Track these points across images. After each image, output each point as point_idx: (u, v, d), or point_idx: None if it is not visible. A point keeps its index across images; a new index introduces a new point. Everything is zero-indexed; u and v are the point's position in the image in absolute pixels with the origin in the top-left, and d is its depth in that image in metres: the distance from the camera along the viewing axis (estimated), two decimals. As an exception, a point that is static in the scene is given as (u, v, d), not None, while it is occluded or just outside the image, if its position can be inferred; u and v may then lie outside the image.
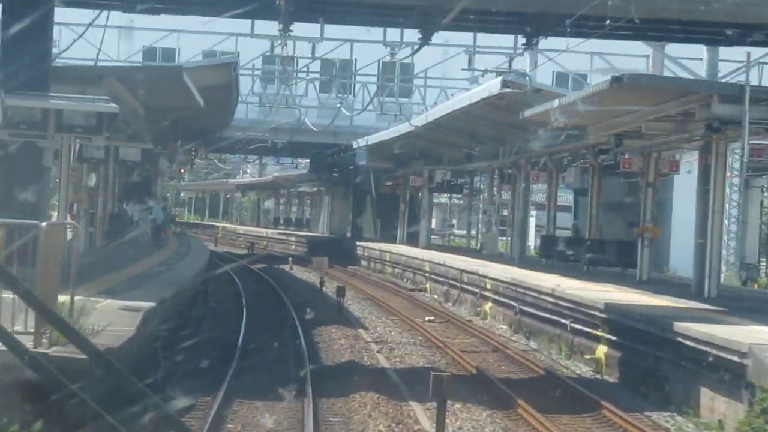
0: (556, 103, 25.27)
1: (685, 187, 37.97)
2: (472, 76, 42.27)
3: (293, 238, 74.13)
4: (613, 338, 21.07)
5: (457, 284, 35.47)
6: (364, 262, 54.59)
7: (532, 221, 79.88)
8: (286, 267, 52.10)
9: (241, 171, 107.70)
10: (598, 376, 21.27)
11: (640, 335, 19.68)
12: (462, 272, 34.97)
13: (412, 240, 56.23)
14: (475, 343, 25.56)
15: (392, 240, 56.44)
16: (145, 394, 3.21)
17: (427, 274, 40.67)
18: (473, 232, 59.63)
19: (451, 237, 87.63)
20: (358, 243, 56.86)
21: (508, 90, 28.03)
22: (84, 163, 26.78)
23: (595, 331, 22.15)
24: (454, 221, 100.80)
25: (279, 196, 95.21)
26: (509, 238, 45.95)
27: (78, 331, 3.09)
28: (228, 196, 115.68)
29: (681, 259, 38.50)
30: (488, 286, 31.57)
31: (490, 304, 31.43)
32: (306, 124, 54.16)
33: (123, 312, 15.37)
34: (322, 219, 75.25)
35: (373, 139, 49.74)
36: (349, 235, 70.18)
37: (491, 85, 28.97)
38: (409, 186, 53.23)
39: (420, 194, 57.16)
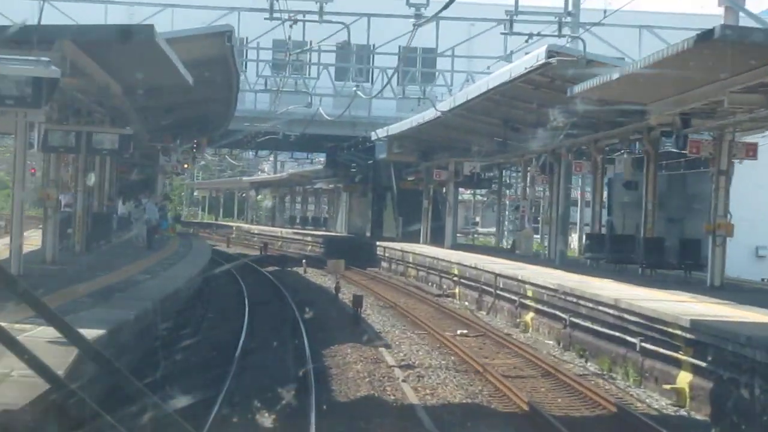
0: (616, 74, 20.76)
1: (740, 176, 33.55)
2: (506, 54, 37.76)
3: (309, 238, 69.77)
4: (702, 364, 16.59)
5: (492, 290, 31.04)
6: (384, 264, 50.22)
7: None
8: (300, 270, 47.75)
9: (258, 170, 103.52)
10: (682, 412, 16.80)
11: (742, 362, 15.21)
12: (497, 276, 30.52)
13: (436, 239, 51.83)
14: (520, 364, 21.12)
15: (415, 239, 52.05)
16: (146, 394, 2.74)
17: (455, 278, 36.23)
18: (500, 230, 55.03)
19: (475, 235, 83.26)
20: (378, 243, 52.46)
21: (553, 61, 23.51)
22: (53, 152, 22.42)
23: (675, 354, 17.69)
24: (478, 219, 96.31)
25: (295, 194, 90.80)
26: (544, 237, 41.48)
27: (79, 332, 2.50)
28: (244, 194, 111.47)
29: (735, 259, 34.00)
30: (530, 293, 27.11)
31: (531, 314, 26.98)
32: (320, 115, 49.81)
33: (51, 347, 10.96)
34: (340, 217, 70.87)
35: (394, 128, 45.31)
36: (368, 234, 65.78)
37: (537, 55, 24.42)
38: (433, 180, 48.77)
39: (444, 189, 52.75)
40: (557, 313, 24.55)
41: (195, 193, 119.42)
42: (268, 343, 21.38)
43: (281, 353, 20.60)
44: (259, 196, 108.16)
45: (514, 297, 28.54)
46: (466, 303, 33.99)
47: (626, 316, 19.82)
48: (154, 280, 21.59)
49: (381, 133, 47.75)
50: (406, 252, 45.36)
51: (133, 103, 28.60)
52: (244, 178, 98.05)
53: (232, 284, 36.85)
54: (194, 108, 35.36)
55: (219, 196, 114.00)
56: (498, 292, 30.37)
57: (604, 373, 20.27)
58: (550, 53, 23.53)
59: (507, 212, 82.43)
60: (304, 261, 47.97)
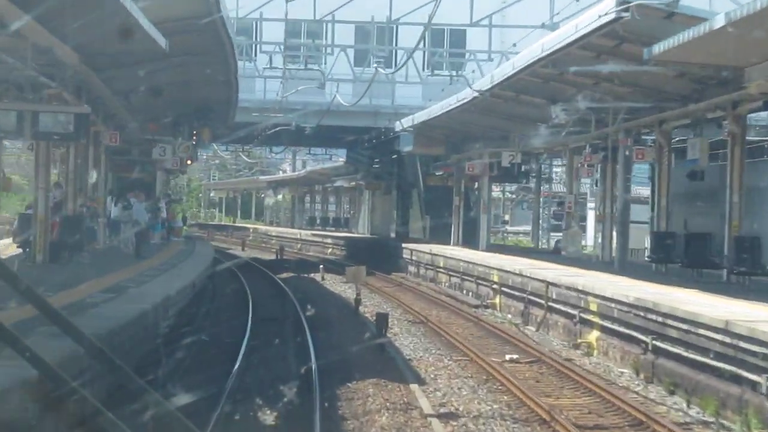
0: (720, 20, 15.61)
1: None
2: (551, 19, 32.56)
3: (329, 240, 64.78)
4: None
5: (542, 301, 25.94)
6: (411, 268, 45.18)
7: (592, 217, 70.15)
8: (318, 276, 42.80)
9: (279, 170, 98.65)
10: None
11: None
12: (549, 285, 25.42)
13: (468, 240, 46.76)
14: (596, 406, 16.03)
15: (444, 240, 47.02)
16: (148, 392, 2.74)
17: (495, 286, 31.15)
18: (537, 230, 49.85)
19: (505, 235, 78.03)
20: (403, 245, 47.38)
21: (627, 15, 18.38)
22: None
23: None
24: (507, 217, 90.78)
25: (314, 193, 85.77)
26: (596, 236, 36.32)
27: (81, 330, 2.60)
28: (263, 195, 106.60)
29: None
30: (593, 307, 22.01)
31: (596, 333, 21.88)
32: (338, 105, 44.87)
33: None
34: (362, 217, 65.85)
35: (421, 116, 40.30)
36: (393, 235, 60.72)
37: (603, 9, 19.26)
38: (465, 175, 43.67)
39: (476, 185, 47.68)
40: (634, 333, 19.47)
41: (212, 194, 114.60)
42: (267, 384, 16.38)
43: (283, 396, 15.58)
44: (279, 197, 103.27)
45: (571, 311, 23.45)
46: (509, 316, 28.93)
47: (744, 345, 14.69)
48: (115, 301, 16.60)
49: (406, 122, 42.73)
50: (437, 255, 40.30)
51: (110, 84, 23.74)
52: (261, 177, 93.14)
53: (235, 296, 31.91)
54: (188, 91, 30.53)
55: (236, 197, 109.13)
56: (550, 304, 25.27)
57: (713, 420, 15.15)
58: (623, 3, 18.39)
59: (543, 209, 77.26)
60: (321, 266, 42.96)
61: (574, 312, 23.14)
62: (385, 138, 49.36)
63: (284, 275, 44.60)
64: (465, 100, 32.19)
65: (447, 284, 38.17)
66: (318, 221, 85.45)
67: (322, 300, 32.42)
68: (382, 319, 21.48)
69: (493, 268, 31.56)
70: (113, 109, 28.87)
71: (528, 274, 27.62)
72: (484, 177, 41.30)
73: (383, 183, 60.96)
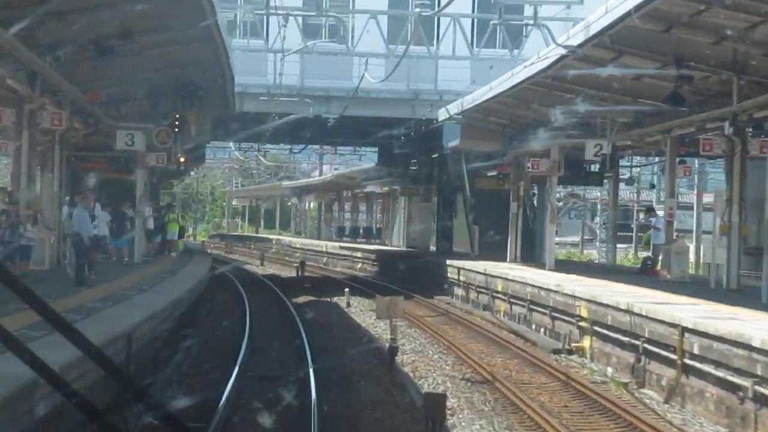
0: None
1: None
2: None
3: (359, 254, 56.13)
4: None
5: (671, 355, 17.19)
6: (459, 291, 36.50)
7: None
8: (343, 300, 34.24)
9: (304, 174, 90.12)
10: None
11: None
12: (685, 332, 16.61)
13: (528, 256, 38.05)
14: None
15: (497, 256, 38.33)
16: (147, 395, 2.70)
17: (583, 324, 22.38)
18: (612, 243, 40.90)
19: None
20: (448, 262, 38.62)
21: None
22: None
23: None
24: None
25: (342, 200, 77.08)
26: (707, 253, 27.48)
27: (81, 333, 2.54)
28: (289, 203, 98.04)
29: None
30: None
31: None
32: (367, 89, 36.38)
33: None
34: (397, 228, 57.13)
35: (476, 97, 31.68)
36: (433, 248, 52.01)
37: None
38: (526, 174, 34.94)
39: (534, 188, 38.98)
40: None
41: (234, 202, 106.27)
42: None
43: None
44: (308, 204, 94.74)
45: (735, 378, 14.67)
46: (610, 369, 20.16)
47: None
48: None
49: (453, 108, 34.11)
50: (492, 276, 31.54)
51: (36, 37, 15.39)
52: (284, 183, 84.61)
53: (227, 334, 23.27)
54: (160, 58, 22.07)
55: (259, 206, 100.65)
56: (689, 361, 16.47)
57: None
58: None
59: (599, 218, 68.58)
60: (347, 290, 34.26)
61: (744, 382, 14.34)
62: (425, 131, 40.71)
63: (302, 299, 36.07)
64: (546, 64, 23.26)
65: (507, 314, 29.44)
66: (347, 232, 76.85)
67: (344, 342, 23.68)
68: (435, 404, 12.70)
69: (580, 299, 22.77)
70: (50, 78, 20.38)
71: (642, 312, 18.83)
72: (552, 176, 32.51)
73: (421, 187, 52.24)
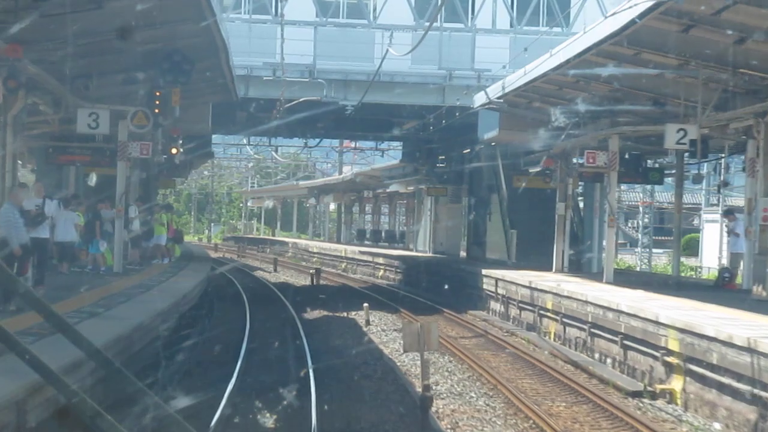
0: None
1: None
2: None
3: (381, 260, 50.99)
4: None
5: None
6: (496, 306, 31.39)
7: (712, 231, 55.71)
8: (361, 316, 29.19)
9: (323, 174, 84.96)
10: None
11: None
12: None
13: (576, 266, 33.00)
14: None
15: (539, 264, 33.26)
16: (146, 394, 2.82)
17: (671, 359, 17.21)
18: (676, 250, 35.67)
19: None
20: (484, 271, 33.43)
21: None
22: None
23: None
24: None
25: (363, 200, 71.88)
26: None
27: (80, 333, 2.67)
28: (307, 204, 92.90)
29: None
30: None
31: None
32: (392, 72, 31.39)
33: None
34: (423, 231, 51.95)
35: (519, 77, 26.50)
36: (463, 254, 46.88)
37: None
38: (579, 169, 29.76)
39: (578, 187, 33.85)
40: None
41: (249, 203, 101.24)
42: None
43: None
44: (329, 206, 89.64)
45: None
46: (717, 426, 14.98)
47: None
48: None
49: (493, 91, 28.97)
50: (541, 291, 26.35)
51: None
52: (301, 183, 79.54)
53: (210, 368, 18.14)
54: (126, 12, 17.03)
55: (275, 207, 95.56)
56: None
57: None
58: None
59: (639, 222, 63.20)
60: (366, 305, 29.10)
61: None
62: (457, 121, 35.58)
63: (314, 315, 31.04)
64: (621, 23, 17.97)
65: (559, 338, 24.29)
66: (367, 235, 71.67)
67: (360, 381, 18.49)
68: None
69: (667, 326, 17.57)
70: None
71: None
72: (611, 171, 27.27)
73: (450, 187, 47.06)
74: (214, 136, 66.38)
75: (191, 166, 47.94)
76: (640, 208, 62.76)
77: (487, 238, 41.84)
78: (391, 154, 56.48)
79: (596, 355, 21.46)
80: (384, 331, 26.89)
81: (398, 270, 47.39)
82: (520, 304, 28.49)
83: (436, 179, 46.87)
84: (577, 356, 21.92)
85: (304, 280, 47.88)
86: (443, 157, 45.81)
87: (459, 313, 31.76)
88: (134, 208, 28.95)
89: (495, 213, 40.44)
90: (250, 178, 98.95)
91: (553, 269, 32.17)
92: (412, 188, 52.67)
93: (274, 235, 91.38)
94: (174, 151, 29.32)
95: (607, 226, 28.75)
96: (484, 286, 33.08)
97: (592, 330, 21.87)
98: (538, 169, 33.26)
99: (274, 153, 64.58)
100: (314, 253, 65.91)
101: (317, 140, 45.88)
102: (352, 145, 53.87)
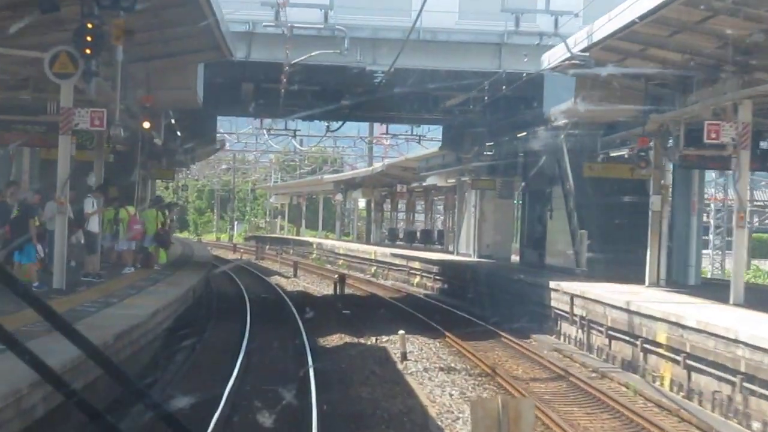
0: None
1: None
2: None
3: (417, 265, 43.54)
4: None
5: None
6: (569, 329, 24.08)
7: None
8: (395, 348, 21.89)
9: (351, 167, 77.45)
10: None
11: None
12: None
13: (672, 275, 25.59)
14: None
15: (622, 275, 25.92)
16: (145, 394, 2.77)
17: None
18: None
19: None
20: (553, 284, 25.89)
21: None
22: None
23: None
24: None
25: (395, 196, 64.32)
26: None
27: (81, 333, 2.56)
28: (333, 201, 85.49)
29: None
30: None
31: None
32: (432, 25, 23.99)
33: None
34: (465, 231, 44.47)
35: (612, 18, 19.07)
36: (514, 258, 39.56)
37: None
38: (683, 151, 22.19)
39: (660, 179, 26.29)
40: None
41: (272, 200, 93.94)
42: None
43: None
44: (357, 202, 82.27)
45: None
46: None
47: None
48: None
49: (581, 39, 21.43)
50: (649, 317, 18.85)
51: None
52: (326, 177, 72.11)
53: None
54: None
55: (301, 204, 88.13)
56: None
57: None
58: None
59: (711, 221, 55.15)
60: (401, 332, 21.58)
61: None
62: (514, 92, 28.16)
63: (332, 341, 23.82)
64: None
65: (680, 387, 16.83)
66: (400, 235, 64.06)
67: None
68: None
69: None
70: None
71: None
72: (741, 150, 19.71)
73: (500, 178, 39.55)
74: (223, 120, 59.17)
75: (192, 154, 40.68)
76: (712, 206, 54.98)
77: (547, 239, 34.34)
78: (425, 145, 49.13)
79: (756, 425, 13.98)
80: (427, 371, 19.50)
81: (438, 277, 39.96)
82: (611, 332, 21.02)
83: (485, 169, 39.33)
84: (724, 426, 14.44)
85: (326, 288, 40.61)
86: (491, 143, 38.30)
87: (521, 338, 24.44)
88: (92, 201, 21.74)
89: (558, 209, 32.93)
90: (273, 173, 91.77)
91: (646, 282, 24.66)
92: (453, 181, 45.21)
93: (298, 234, 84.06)
94: (146, 124, 22.02)
95: (735, 227, 21.17)
96: (553, 303, 25.64)
97: (747, 385, 14.38)
98: (622, 152, 25.70)
99: (294, 142, 57.16)
100: (340, 255, 58.58)
101: (340, 123, 38.40)
102: (383, 133, 46.17)
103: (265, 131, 43.65)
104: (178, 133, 36.04)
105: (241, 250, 70.04)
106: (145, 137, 25.90)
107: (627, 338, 19.92)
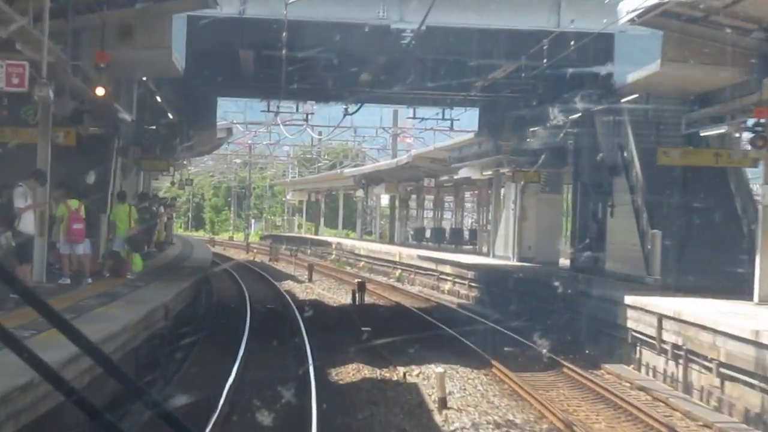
0: None
1: None
2: None
3: (448, 269, 37.92)
4: None
5: None
6: (655, 360, 18.60)
7: None
8: (428, 386, 16.31)
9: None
10: None
11: None
12: None
13: (733, 280, 20.02)
14: None
15: (709, 285, 20.40)
16: (145, 393, 2.71)
17: None
18: None
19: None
20: (630, 299, 20.23)
21: None
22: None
23: None
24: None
25: (422, 191, 58.59)
26: None
27: (80, 331, 2.51)
28: (354, 198, 79.90)
29: None
30: None
31: None
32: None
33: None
34: (503, 230, 38.82)
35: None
36: (563, 262, 34.01)
37: None
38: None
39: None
40: None
41: (289, 196, 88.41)
42: None
43: None
44: (380, 199, 76.58)
45: None
46: None
47: None
48: None
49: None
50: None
51: None
52: (346, 171, 66.43)
53: None
54: None
55: (319, 201, 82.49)
56: None
57: None
58: None
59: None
60: (440, 371, 15.94)
61: None
62: (573, 55, 22.55)
63: (346, 375, 18.40)
64: None
65: None
66: (427, 235, 58.35)
67: None
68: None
69: None
70: None
71: None
72: None
73: (546, 169, 33.93)
74: (231, 108, 53.70)
75: (188, 141, 35.15)
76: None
77: (607, 241, 28.72)
78: (453, 135, 43.56)
79: None
80: (477, 428, 13.93)
81: (473, 284, 34.38)
82: (725, 370, 15.41)
83: (527, 159, 33.71)
84: None
85: (344, 296, 35.16)
86: (535, 129, 32.64)
87: (589, 368, 19.01)
88: (24, 192, 16.28)
89: (622, 205, 27.28)
90: (290, 168, 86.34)
91: (755, 298, 19.00)
92: (489, 173, 39.54)
93: (317, 233, 78.54)
94: (99, 91, 16.59)
95: None
96: (630, 324, 20.03)
97: None
98: (720, 130, 20.07)
99: (310, 131, 51.50)
100: (362, 256, 53.05)
101: (359, 106, 32.71)
102: (410, 117, 40.31)
103: (274, 115, 38.00)
104: (170, 116, 30.64)
105: (254, 251, 64.63)
106: (118, 117, 20.49)
107: (755, 381, 14.32)
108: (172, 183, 55.20)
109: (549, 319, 23.91)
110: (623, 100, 24.82)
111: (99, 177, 23.75)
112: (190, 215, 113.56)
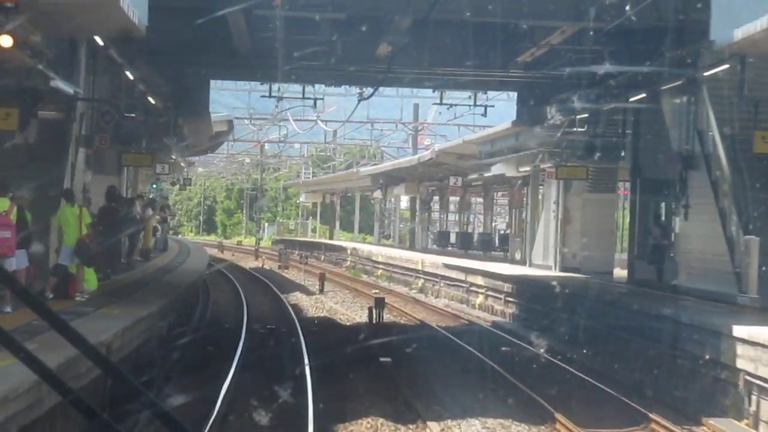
0: None
1: None
2: None
3: (480, 280, 32.74)
4: None
5: None
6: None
7: None
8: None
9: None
10: None
11: None
12: None
13: None
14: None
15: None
16: (143, 394, 2.78)
17: None
18: None
19: None
20: (738, 328, 15.04)
21: None
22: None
23: None
24: None
25: (446, 192, 53.32)
26: None
27: (78, 332, 2.63)
28: (372, 199, 74.74)
29: None
30: None
31: None
32: None
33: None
34: (542, 235, 33.63)
35: None
36: (619, 272, 28.92)
37: None
38: None
39: None
40: None
41: (302, 198, 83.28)
42: None
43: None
44: (399, 200, 71.39)
45: None
46: None
47: None
48: None
49: None
50: None
51: None
52: (362, 170, 61.20)
53: None
54: None
55: (334, 203, 77.29)
56: None
57: None
58: None
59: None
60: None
61: None
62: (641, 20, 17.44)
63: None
64: None
65: None
66: (452, 240, 53.06)
67: None
68: None
69: None
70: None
71: None
72: None
73: (596, 164, 28.75)
74: (225, 97, 48.65)
75: (177, 131, 30.11)
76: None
77: (677, 249, 23.56)
78: (479, 127, 38.36)
79: None
80: None
81: (511, 298, 29.24)
82: None
83: (575, 151, 28.51)
84: None
85: (360, 311, 30.19)
86: (585, 115, 27.44)
87: (686, 423, 13.93)
88: None
89: (700, 204, 22.13)
90: (304, 168, 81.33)
91: None
92: (527, 169, 34.28)
93: (331, 237, 73.43)
94: (5, 41, 11.65)
95: None
96: (739, 363, 14.91)
97: None
98: None
99: (321, 124, 46.33)
100: (379, 263, 47.97)
101: (374, 89, 27.59)
102: (436, 103, 35.07)
103: (277, 100, 32.93)
104: (150, 100, 25.66)
105: (264, 257, 59.65)
106: (72, 96, 15.57)
107: None
108: (173, 183, 50.51)
109: (620, 351, 18.80)
110: (706, 73, 19.79)
111: (48, 171, 18.83)
112: (201, 219, 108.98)
